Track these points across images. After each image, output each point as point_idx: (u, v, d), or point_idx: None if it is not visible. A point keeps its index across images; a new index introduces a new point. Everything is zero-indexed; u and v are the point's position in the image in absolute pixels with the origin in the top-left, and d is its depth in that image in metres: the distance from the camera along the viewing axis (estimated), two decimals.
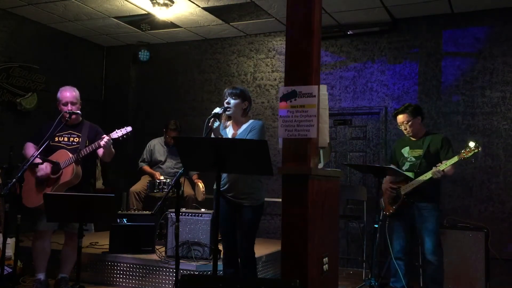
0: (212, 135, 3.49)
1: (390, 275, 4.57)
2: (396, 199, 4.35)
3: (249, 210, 3.60)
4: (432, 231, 4.24)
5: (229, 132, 3.71)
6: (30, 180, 4.10)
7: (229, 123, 3.75)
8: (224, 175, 3.62)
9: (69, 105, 4.18)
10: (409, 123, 4.35)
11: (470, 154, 4.03)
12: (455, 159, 4.06)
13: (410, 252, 4.48)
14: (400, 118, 4.39)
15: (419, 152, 4.33)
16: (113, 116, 7.43)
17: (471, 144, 4.06)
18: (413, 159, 4.35)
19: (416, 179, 4.21)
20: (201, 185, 5.69)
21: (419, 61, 5.96)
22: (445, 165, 4.08)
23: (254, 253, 3.70)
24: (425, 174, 4.17)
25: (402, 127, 4.42)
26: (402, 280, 4.32)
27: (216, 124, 3.46)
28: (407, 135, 4.44)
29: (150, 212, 5.19)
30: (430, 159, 4.24)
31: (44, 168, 4.07)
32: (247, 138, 3.55)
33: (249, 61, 6.93)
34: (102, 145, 3.99)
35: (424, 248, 4.29)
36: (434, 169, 4.09)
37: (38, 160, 4.02)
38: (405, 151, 4.44)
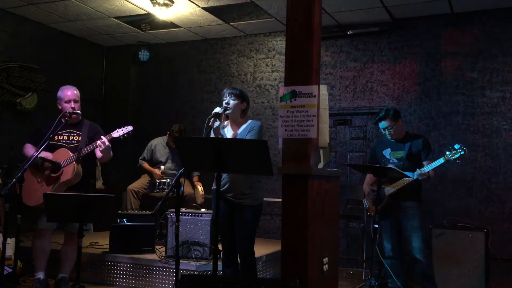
0: (212, 135, 3.50)
1: (389, 275, 4.57)
2: (380, 199, 4.38)
3: (248, 210, 3.61)
4: (418, 229, 4.34)
5: (229, 133, 3.71)
6: (30, 178, 4.10)
7: (226, 123, 3.76)
8: (223, 175, 3.62)
9: (72, 102, 4.19)
10: (393, 128, 4.46)
11: (455, 155, 4.19)
12: (441, 160, 4.22)
13: (402, 250, 4.51)
14: (383, 124, 4.49)
15: (401, 153, 4.47)
16: (113, 116, 7.42)
17: (456, 146, 4.25)
18: (396, 160, 4.47)
19: (402, 180, 4.33)
20: (200, 188, 5.68)
21: (419, 61, 5.95)
22: (430, 167, 4.25)
23: (254, 253, 3.70)
24: (411, 176, 4.30)
25: (386, 132, 4.52)
26: (396, 280, 4.34)
27: (217, 123, 3.47)
28: (390, 138, 4.55)
29: (150, 212, 5.19)
30: (412, 161, 4.39)
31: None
32: (246, 138, 3.55)
33: (249, 61, 6.93)
34: (97, 144, 3.99)
35: (411, 246, 4.35)
36: (419, 171, 4.26)
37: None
38: (387, 152, 4.55)
